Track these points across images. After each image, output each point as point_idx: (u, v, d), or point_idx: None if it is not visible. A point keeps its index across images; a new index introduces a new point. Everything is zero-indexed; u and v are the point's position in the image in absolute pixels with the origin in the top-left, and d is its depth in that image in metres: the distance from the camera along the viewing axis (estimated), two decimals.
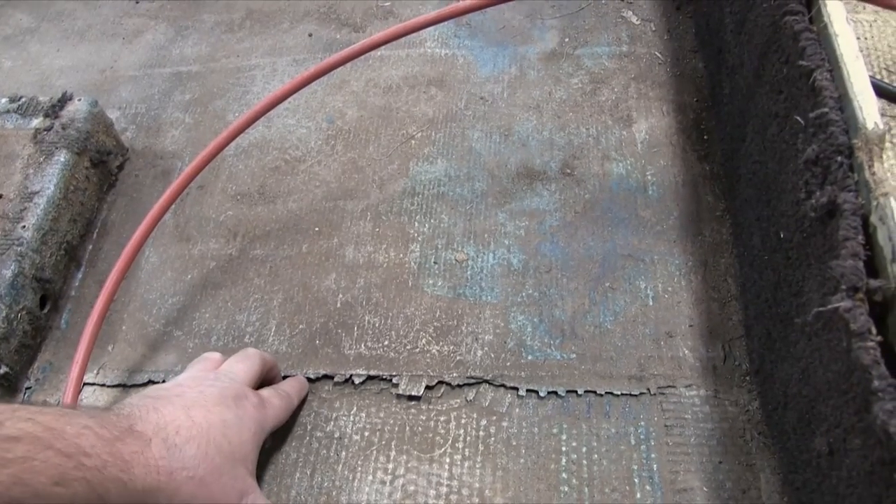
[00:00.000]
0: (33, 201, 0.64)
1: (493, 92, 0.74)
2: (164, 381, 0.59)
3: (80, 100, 0.71)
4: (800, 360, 0.43)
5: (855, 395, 0.35)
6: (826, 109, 0.41)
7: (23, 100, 0.71)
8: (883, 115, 0.41)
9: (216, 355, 0.55)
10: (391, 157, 0.70)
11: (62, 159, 0.67)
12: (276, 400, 0.53)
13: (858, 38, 0.60)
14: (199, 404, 0.47)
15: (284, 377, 0.58)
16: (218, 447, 0.46)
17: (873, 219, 0.38)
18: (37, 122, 0.70)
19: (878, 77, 0.68)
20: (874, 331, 0.34)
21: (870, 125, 0.40)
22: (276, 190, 0.70)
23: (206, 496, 0.44)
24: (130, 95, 0.82)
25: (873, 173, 0.39)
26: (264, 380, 0.56)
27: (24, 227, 0.62)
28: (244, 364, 0.53)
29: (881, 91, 0.58)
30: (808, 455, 0.43)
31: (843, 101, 0.42)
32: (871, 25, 0.69)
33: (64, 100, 0.71)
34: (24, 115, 0.71)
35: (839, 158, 0.40)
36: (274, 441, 0.54)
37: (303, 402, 0.57)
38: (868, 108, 0.40)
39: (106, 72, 0.85)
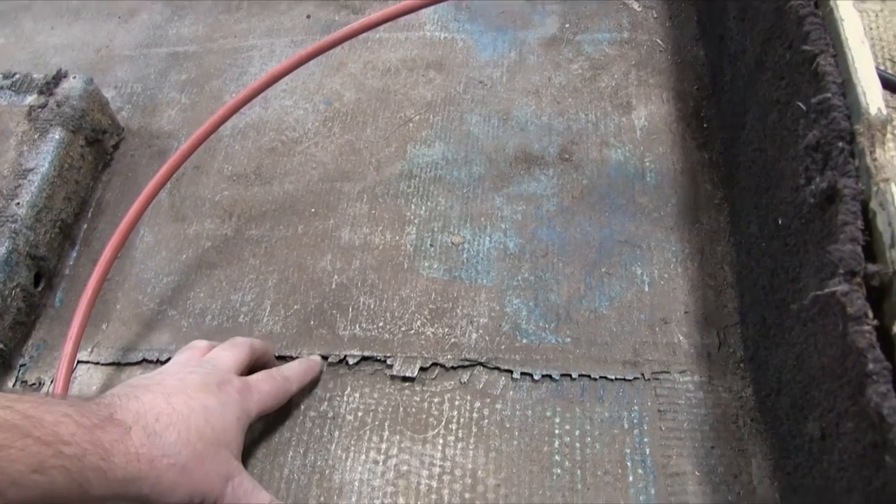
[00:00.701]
0: (27, 178, 0.64)
1: (492, 76, 0.74)
2: (158, 360, 0.59)
3: (74, 77, 0.70)
4: (794, 346, 0.43)
5: (849, 378, 0.35)
6: (828, 95, 0.41)
7: (16, 76, 0.71)
8: (886, 106, 0.41)
9: (203, 343, 0.55)
10: (388, 139, 0.70)
11: (57, 137, 0.66)
12: (266, 385, 0.52)
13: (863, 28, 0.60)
14: (180, 391, 0.47)
15: (281, 357, 0.58)
16: (200, 433, 0.45)
17: (873, 204, 0.38)
18: (31, 99, 0.69)
19: (882, 67, 0.68)
20: (870, 315, 0.35)
21: (873, 110, 0.40)
22: (273, 171, 0.70)
23: (189, 483, 0.44)
24: (126, 75, 0.81)
25: (875, 159, 0.38)
26: (257, 366, 0.56)
27: (18, 203, 0.62)
28: (230, 352, 0.53)
29: (885, 82, 0.57)
30: (800, 440, 0.43)
31: (847, 86, 0.41)
32: (877, 15, 0.69)
33: (58, 77, 0.70)
34: (18, 91, 0.70)
35: (840, 144, 0.40)
36: (267, 420, 0.54)
37: (314, 384, 0.56)
38: (872, 94, 0.40)
39: (101, 51, 0.84)
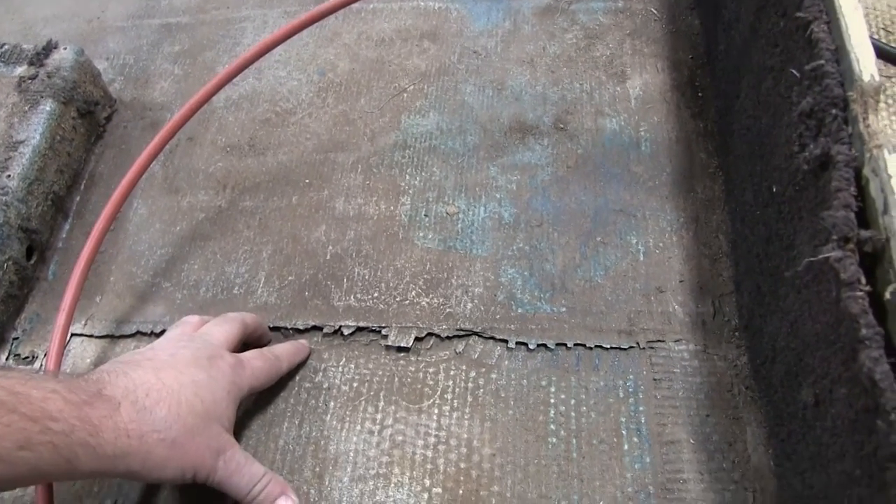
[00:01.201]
0: (18, 150, 0.63)
1: (486, 46, 0.73)
2: (152, 332, 0.59)
3: (65, 48, 0.70)
4: (789, 313, 0.43)
5: (843, 344, 0.35)
6: (822, 62, 0.41)
7: (5, 47, 0.70)
8: (879, 74, 0.41)
9: (195, 318, 0.54)
10: (383, 110, 0.70)
11: (48, 108, 0.66)
12: (259, 361, 0.52)
13: None
14: (170, 366, 0.47)
15: (276, 329, 0.58)
16: (190, 407, 0.45)
17: (866, 171, 0.37)
18: (21, 70, 0.69)
19: (876, 37, 0.68)
20: (863, 281, 0.34)
21: (866, 77, 0.39)
22: (267, 142, 0.69)
23: (179, 458, 0.44)
24: (118, 46, 0.81)
25: (868, 126, 0.38)
26: (251, 342, 0.56)
27: (9, 176, 0.62)
28: (222, 327, 0.53)
29: (879, 51, 0.57)
30: (794, 407, 0.43)
31: (840, 53, 0.41)
32: None
33: (49, 48, 0.69)
34: (8, 62, 0.69)
35: (834, 111, 0.40)
36: (262, 392, 0.54)
37: (300, 365, 0.56)
38: (865, 60, 0.40)
39: (93, 22, 0.83)
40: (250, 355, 0.52)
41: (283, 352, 0.55)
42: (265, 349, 0.54)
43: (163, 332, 0.58)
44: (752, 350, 0.52)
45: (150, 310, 0.61)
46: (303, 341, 0.57)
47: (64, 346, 0.54)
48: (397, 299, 0.58)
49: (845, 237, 0.36)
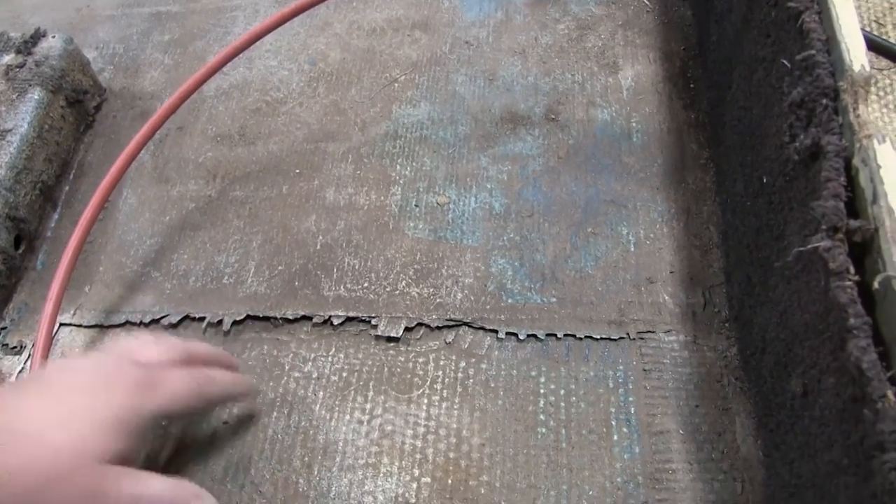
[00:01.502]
0: (6, 139, 0.63)
1: (478, 36, 0.73)
2: (141, 322, 0.59)
3: (54, 37, 0.69)
4: (778, 304, 0.43)
5: (831, 334, 0.35)
6: (813, 52, 0.41)
7: None
8: (871, 67, 0.41)
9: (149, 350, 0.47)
10: (374, 99, 0.69)
11: (36, 97, 0.65)
12: (180, 382, 0.45)
13: None
14: (53, 392, 0.41)
15: (266, 319, 0.58)
16: (54, 448, 0.38)
17: (856, 161, 0.37)
18: (8, 58, 0.68)
19: (868, 29, 0.68)
20: (852, 270, 0.34)
21: (857, 67, 0.39)
22: (257, 131, 0.69)
23: None
24: (108, 35, 0.80)
25: (858, 116, 0.38)
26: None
27: None
28: (154, 346, 0.47)
29: (870, 43, 0.57)
30: (782, 398, 0.43)
31: (831, 43, 0.41)
32: None
33: (37, 36, 0.69)
34: None
35: (824, 101, 0.40)
36: (250, 383, 0.54)
37: (244, 398, 0.53)
38: (855, 50, 0.40)
39: (82, 10, 0.83)
40: (172, 374, 0.45)
41: (222, 378, 0.49)
42: (198, 371, 0.47)
43: (152, 321, 0.58)
44: (742, 341, 0.52)
45: (139, 299, 0.60)
46: (250, 378, 0.53)
47: (52, 335, 0.54)
48: (387, 289, 0.58)
49: (834, 227, 0.36)
